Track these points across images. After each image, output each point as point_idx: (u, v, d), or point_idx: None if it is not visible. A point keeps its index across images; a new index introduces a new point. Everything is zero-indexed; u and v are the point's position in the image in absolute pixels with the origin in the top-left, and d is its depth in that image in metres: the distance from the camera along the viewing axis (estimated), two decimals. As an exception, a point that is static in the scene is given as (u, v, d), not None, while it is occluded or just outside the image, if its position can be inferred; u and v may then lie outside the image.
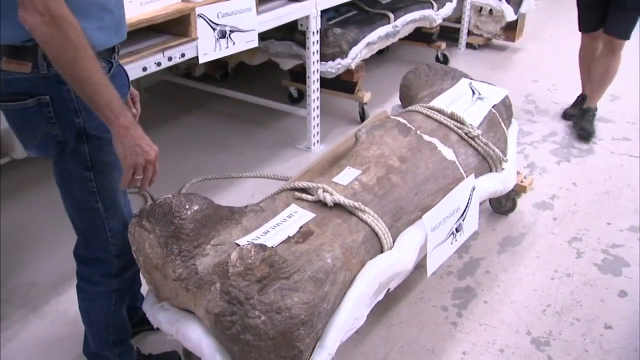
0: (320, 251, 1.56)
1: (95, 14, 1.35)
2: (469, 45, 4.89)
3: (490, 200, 2.65)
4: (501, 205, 2.70)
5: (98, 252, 1.61)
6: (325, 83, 3.35)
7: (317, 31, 3.03)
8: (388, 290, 1.83)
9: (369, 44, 3.42)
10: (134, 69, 2.08)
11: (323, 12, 3.07)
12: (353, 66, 3.33)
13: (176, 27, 2.26)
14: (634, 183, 2.96)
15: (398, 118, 2.20)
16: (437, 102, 2.33)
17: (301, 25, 3.01)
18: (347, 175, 1.90)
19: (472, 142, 2.19)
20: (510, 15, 4.55)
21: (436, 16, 4.04)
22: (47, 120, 1.40)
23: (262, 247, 1.45)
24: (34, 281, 2.34)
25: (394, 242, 1.78)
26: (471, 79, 2.55)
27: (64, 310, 2.19)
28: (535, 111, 3.76)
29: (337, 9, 3.60)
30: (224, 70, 4.13)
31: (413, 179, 1.94)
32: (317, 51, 3.09)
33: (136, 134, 1.35)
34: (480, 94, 2.43)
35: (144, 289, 1.79)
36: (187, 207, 1.55)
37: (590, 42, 3.44)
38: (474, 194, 2.02)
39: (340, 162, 2.02)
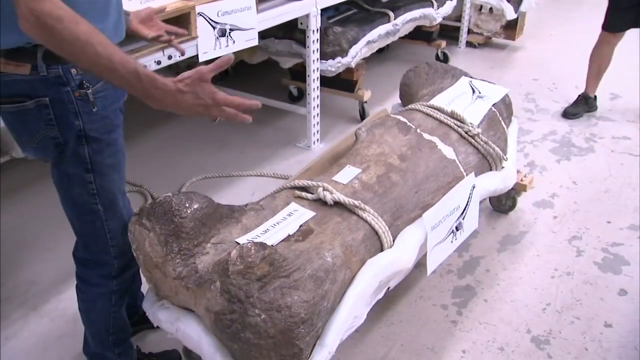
0: (320, 250, 1.56)
1: (93, 16, 1.33)
2: (469, 44, 4.89)
3: (490, 198, 2.65)
4: (501, 204, 2.70)
5: (97, 254, 1.60)
6: (325, 82, 3.35)
7: (317, 30, 3.03)
8: (388, 288, 1.83)
9: (369, 42, 3.42)
10: (134, 68, 2.07)
11: (323, 10, 3.07)
12: (353, 65, 3.33)
13: (176, 25, 2.25)
14: (634, 182, 2.96)
15: (398, 116, 2.20)
16: (437, 101, 2.33)
17: (301, 23, 3.00)
18: (347, 173, 1.90)
19: (472, 141, 2.19)
20: (510, 14, 4.54)
21: (436, 15, 4.04)
22: (46, 122, 1.38)
23: (262, 245, 1.45)
24: (34, 280, 2.34)
25: (394, 241, 1.78)
26: (471, 77, 2.55)
27: (64, 308, 2.19)
28: (536, 110, 3.76)
29: (337, 8, 3.60)
30: (224, 69, 4.13)
31: (413, 178, 1.94)
32: (317, 50, 3.09)
33: (182, 99, 1.25)
34: (480, 93, 2.42)
35: (144, 287, 1.79)
36: (187, 205, 1.55)
37: (613, 40, 3.44)
38: (474, 192, 2.02)
39: (340, 160, 2.02)
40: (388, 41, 3.73)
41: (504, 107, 2.46)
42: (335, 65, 3.21)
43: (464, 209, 1.98)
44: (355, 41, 3.31)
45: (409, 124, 2.15)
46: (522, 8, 4.66)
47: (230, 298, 1.41)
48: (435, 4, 4.02)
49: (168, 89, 1.25)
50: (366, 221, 1.73)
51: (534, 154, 3.24)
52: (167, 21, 2.18)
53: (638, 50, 4.41)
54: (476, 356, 1.98)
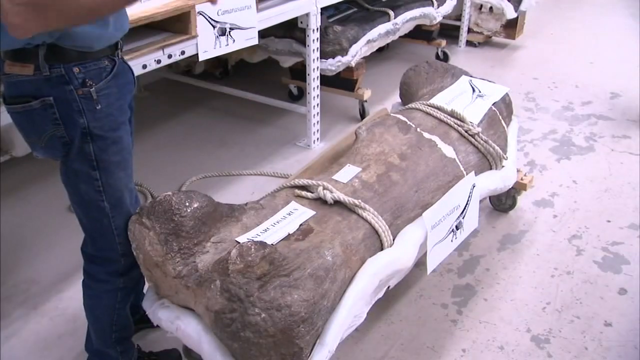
0: (320, 249, 1.56)
1: None
2: (469, 43, 4.88)
3: (490, 197, 2.65)
4: (501, 203, 2.70)
5: (105, 250, 1.62)
6: (325, 80, 3.35)
7: (317, 29, 3.03)
8: (388, 287, 1.83)
9: (369, 41, 3.42)
10: (134, 67, 2.06)
11: (323, 9, 3.07)
12: (353, 64, 3.33)
13: (176, 24, 2.25)
14: (634, 181, 2.96)
15: (398, 115, 2.20)
16: (437, 100, 2.33)
17: (301, 22, 3.00)
18: (347, 172, 1.90)
19: (472, 140, 2.19)
20: (510, 13, 4.54)
21: (436, 14, 4.04)
22: (53, 121, 1.41)
23: (262, 244, 1.45)
24: (34, 279, 2.34)
25: (394, 240, 1.78)
26: (471, 76, 2.55)
27: (64, 307, 2.20)
28: (536, 109, 3.76)
29: (337, 7, 3.60)
30: (224, 68, 4.13)
31: (413, 177, 1.94)
32: (317, 49, 3.09)
33: None
34: (480, 92, 2.42)
35: (144, 287, 1.79)
36: (187, 204, 1.55)
37: None
38: (474, 191, 2.02)
39: (340, 159, 2.02)
40: (388, 40, 3.73)
41: (504, 106, 2.46)
42: (335, 64, 3.21)
43: (464, 208, 1.98)
44: (355, 40, 3.32)
45: (409, 123, 2.15)
46: (522, 7, 4.66)
47: (230, 297, 1.41)
48: (435, 3, 4.02)
49: None
50: (366, 220, 1.73)
51: (534, 153, 3.24)
52: (168, 20, 2.19)
53: (638, 50, 4.41)
54: (476, 355, 1.98)
